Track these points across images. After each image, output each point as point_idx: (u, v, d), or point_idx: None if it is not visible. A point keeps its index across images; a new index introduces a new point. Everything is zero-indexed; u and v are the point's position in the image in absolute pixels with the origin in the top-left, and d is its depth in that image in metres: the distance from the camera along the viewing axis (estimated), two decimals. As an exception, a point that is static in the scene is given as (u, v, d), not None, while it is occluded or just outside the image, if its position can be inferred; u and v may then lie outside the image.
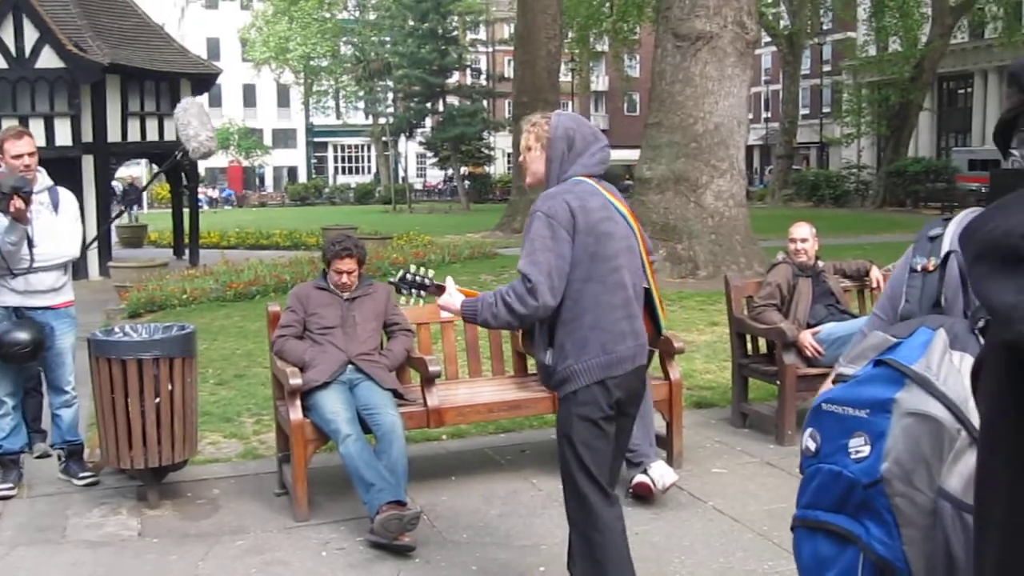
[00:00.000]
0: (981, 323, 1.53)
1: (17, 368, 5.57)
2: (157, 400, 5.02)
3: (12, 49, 16.09)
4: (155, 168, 19.72)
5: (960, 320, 1.59)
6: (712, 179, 14.23)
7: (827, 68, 52.36)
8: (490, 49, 58.29)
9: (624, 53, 45.41)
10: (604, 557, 3.41)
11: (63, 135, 16.30)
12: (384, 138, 51.88)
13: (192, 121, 9.33)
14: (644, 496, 5.11)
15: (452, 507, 5.16)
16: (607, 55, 48.28)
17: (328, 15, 48.40)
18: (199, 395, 5.70)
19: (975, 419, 1.43)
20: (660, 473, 5.10)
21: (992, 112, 42.04)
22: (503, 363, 6.16)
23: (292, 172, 69.30)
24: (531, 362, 5.28)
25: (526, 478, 5.60)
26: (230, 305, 12.77)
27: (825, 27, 49.18)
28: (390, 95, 51.81)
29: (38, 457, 5.96)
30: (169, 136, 18.66)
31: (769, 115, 59.00)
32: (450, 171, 53.74)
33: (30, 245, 5.34)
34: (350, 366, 5.17)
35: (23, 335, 5.37)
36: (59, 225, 5.52)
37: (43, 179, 5.57)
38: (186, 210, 20.24)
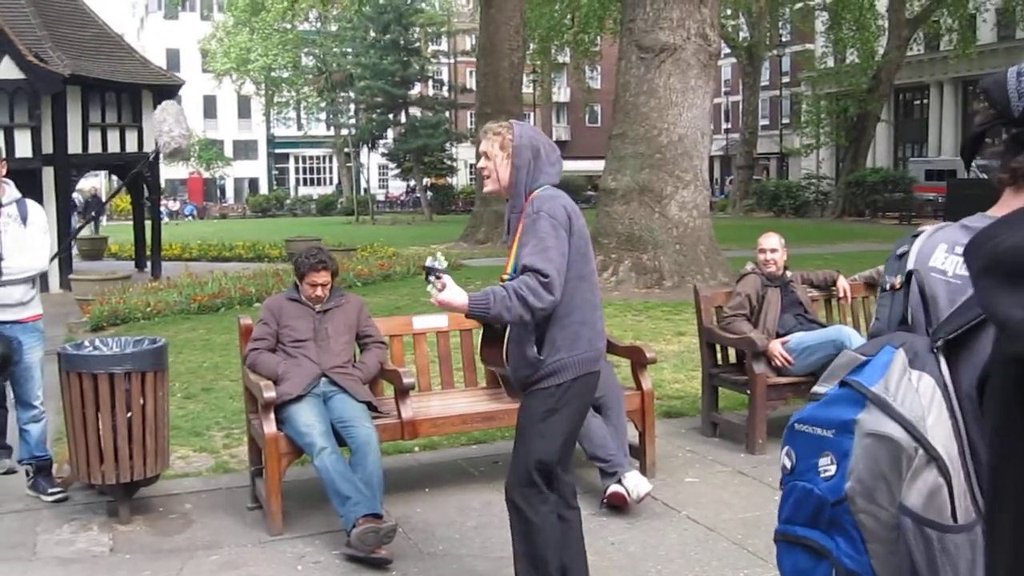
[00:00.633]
0: (940, 342, 1.56)
1: (-16, 383, 5.51)
2: (129, 415, 4.97)
3: (-30, 60, 15.88)
4: (115, 179, 19.53)
5: (921, 338, 1.63)
6: (676, 190, 14.33)
7: (786, 79, 52.94)
8: (452, 60, 58.39)
9: (585, 64, 45.64)
10: (542, 539, 3.59)
11: (23, 146, 16.08)
12: (346, 149, 51.74)
13: (168, 119, 9.35)
14: (619, 506, 5.14)
15: (427, 519, 5.15)
16: (568, 66, 48.49)
17: (290, 26, 48.12)
18: (169, 409, 5.65)
19: (931, 438, 1.48)
20: (634, 483, 5.12)
21: (948, 123, 42.74)
22: (476, 374, 6.16)
23: (253, 184, 68.87)
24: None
25: (500, 489, 5.52)
26: (195, 318, 12.66)
27: (784, 39, 49.68)
28: (352, 106, 51.71)
29: (4, 473, 5.88)
30: (131, 148, 18.52)
31: (729, 126, 59.53)
32: (413, 182, 53.69)
33: (-2, 258, 5.28)
34: (324, 379, 5.16)
35: (-10, 350, 5.30)
36: (27, 238, 5.45)
37: (11, 191, 5.52)
38: (148, 222, 20.03)
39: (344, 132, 51.55)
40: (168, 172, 33.21)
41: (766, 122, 55.98)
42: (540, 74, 45.85)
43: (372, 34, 48.12)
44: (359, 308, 5.48)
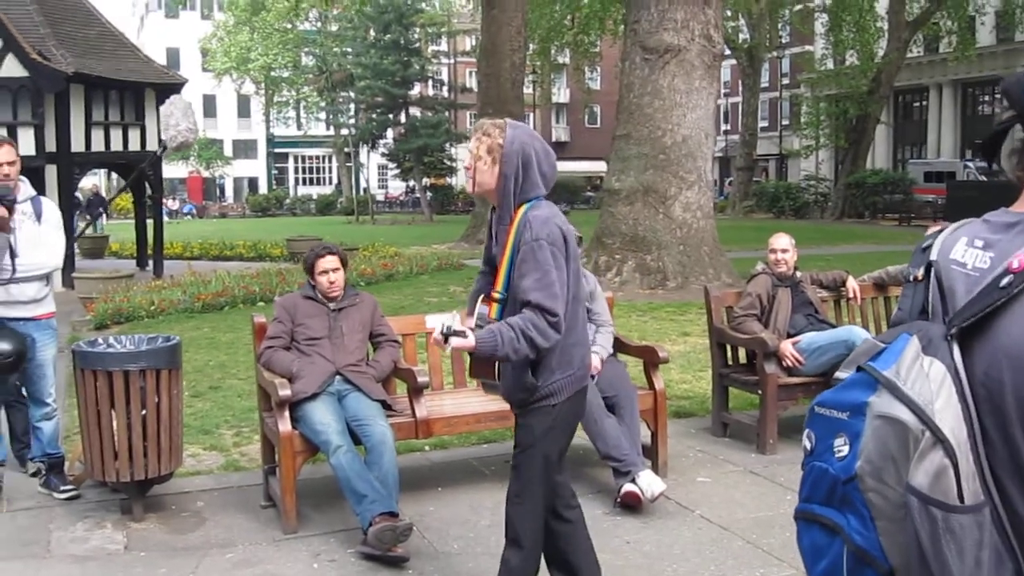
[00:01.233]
0: (954, 330, 1.61)
1: (-3, 380, 5.51)
2: (143, 412, 4.97)
3: (-26, 57, 15.88)
4: (115, 178, 19.51)
5: (937, 326, 1.68)
6: (680, 191, 14.35)
7: (786, 81, 53.00)
8: (452, 61, 58.42)
9: (585, 65, 45.59)
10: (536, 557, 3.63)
11: (26, 144, 16.02)
12: (346, 149, 51.76)
13: (175, 112, 9.39)
14: (632, 505, 5.14)
15: (441, 518, 5.15)
16: (568, 67, 48.49)
17: (290, 26, 48.23)
18: (181, 407, 5.65)
19: (939, 421, 1.52)
20: (648, 482, 5.13)
21: (947, 125, 42.82)
22: (487, 374, 6.15)
23: (253, 183, 68.87)
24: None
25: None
26: (199, 316, 12.66)
27: (784, 41, 49.72)
28: (352, 106, 51.70)
29: (33, 475, 5.80)
30: (134, 146, 18.51)
31: (729, 127, 59.55)
32: (412, 183, 53.69)
33: (12, 255, 5.28)
34: (338, 377, 5.16)
35: (5, 346, 5.28)
36: (42, 235, 5.46)
37: (26, 189, 5.53)
38: (150, 220, 20.02)
39: (344, 132, 51.58)
40: (168, 171, 33.17)
41: (765, 124, 56.01)
42: (540, 75, 45.86)
43: (373, 34, 48.15)
44: (373, 307, 5.49)
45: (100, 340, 5.38)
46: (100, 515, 5.26)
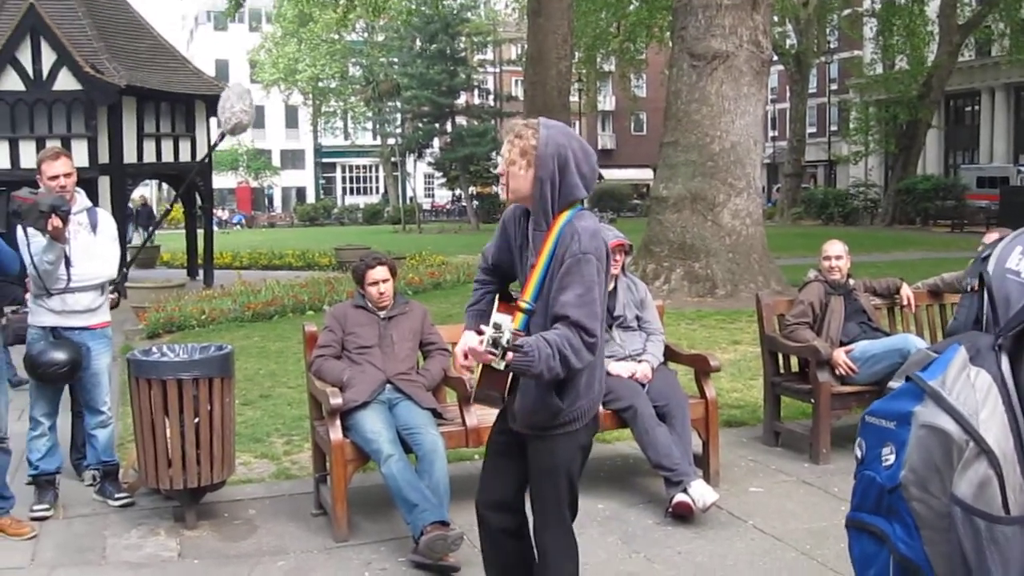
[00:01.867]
0: (1002, 340, 1.59)
1: (54, 389, 5.59)
2: (196, 420, 5.01)
3: (30, 71, 16.14)
4: (165, 188, 19.77)
5: (987, 336, 1.67)
6: (729, 198, 14.24)
7: (834, 87, 52.44)
8: (498, 69, 58.50)
9: (631, 73, 45.52)
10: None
11: (80, 156, 16.28)
12: (393, 158, 52.08)
13: (231, 95, 9.47)
14: (684, 515, 5.10)
15: (491, 527, 5.13)
16: (614, 75, 48.42)
17: (337, 36, 48.62)
18: (233, 415, 5.69)
19: (984, 431, 1.52)
20: (700, 492, 5.08)
21: (1000, 129, 42.13)
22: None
23: (301, 193, 69.51)
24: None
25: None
26: (249, 325, 12.78)
27: (832, 46, 49.25)
28: (399, 116, 51.99)
29: (90, 485, 5.87)
30: (184, 157, 18.76)
31: (776, 134, 59.14)
32: (459, 191, 53.83)
33: (67, 265, 5.36)
34: (388, 386, 5.17)
35: (60, 355, 5.38)
36: (97, 246, 5.54)
37: (82, 200, 5.61)
38: (200, 231, 20.27)
39: (391, 141, 51.90)
40: (217, 182, 33.66)
41: (813, 129, 55.52)
42: (586, 83, 45.84)
43: (419, 44, 48.35)
44: (423, 315, 5.50)
45: (154, 349, 5.43)
46: (154, 522, 5.32)
